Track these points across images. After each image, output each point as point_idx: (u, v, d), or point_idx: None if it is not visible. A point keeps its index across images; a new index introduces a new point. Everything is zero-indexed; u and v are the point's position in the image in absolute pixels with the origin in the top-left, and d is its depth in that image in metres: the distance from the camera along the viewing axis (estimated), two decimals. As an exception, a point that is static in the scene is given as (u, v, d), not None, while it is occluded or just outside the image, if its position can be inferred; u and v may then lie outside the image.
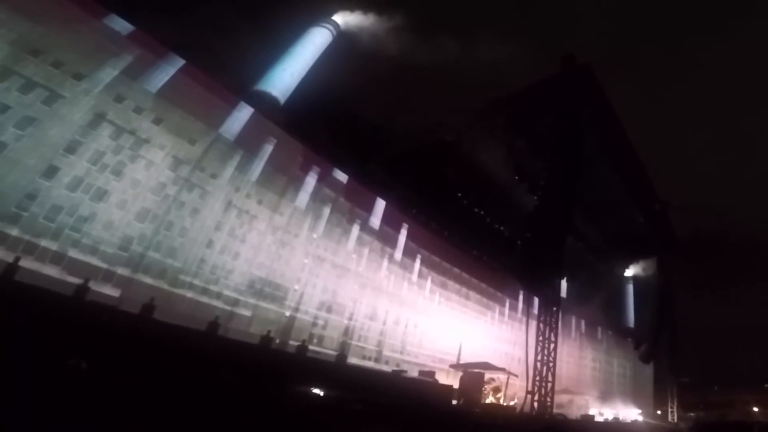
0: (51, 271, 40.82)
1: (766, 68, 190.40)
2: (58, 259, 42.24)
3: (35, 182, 42.28)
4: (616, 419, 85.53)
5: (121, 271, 45.84)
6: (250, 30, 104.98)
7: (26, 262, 36.78)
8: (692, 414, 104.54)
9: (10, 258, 34.94)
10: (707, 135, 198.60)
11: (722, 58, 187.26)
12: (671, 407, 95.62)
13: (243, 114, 58.57)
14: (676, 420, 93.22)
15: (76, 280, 37.13)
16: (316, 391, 34.09)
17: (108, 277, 44.69)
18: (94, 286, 37.53)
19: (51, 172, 43.15)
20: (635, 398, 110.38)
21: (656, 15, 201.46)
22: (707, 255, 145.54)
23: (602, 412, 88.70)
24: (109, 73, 46.84)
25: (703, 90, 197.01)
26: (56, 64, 44.13)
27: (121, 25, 49.19)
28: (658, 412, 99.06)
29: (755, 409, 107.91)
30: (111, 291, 43.67)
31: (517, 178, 75.77)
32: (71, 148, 44.40)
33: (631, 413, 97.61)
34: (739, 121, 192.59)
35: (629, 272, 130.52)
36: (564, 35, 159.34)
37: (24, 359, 16.57)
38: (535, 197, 69.31)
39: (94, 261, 44.28)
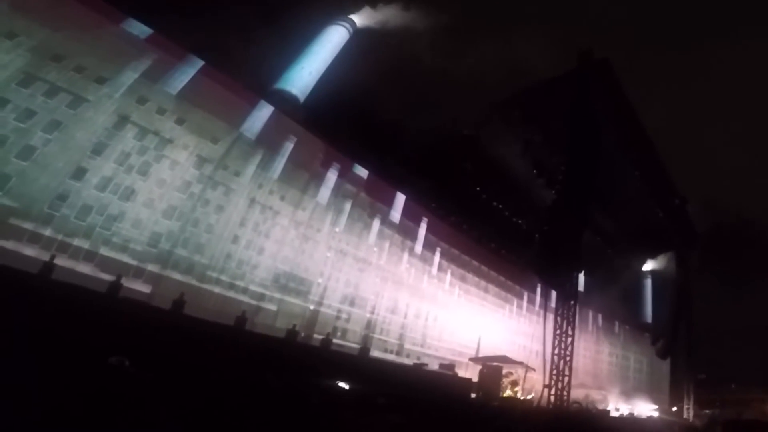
0: (85, 268, 42.08)
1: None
2: (90, 257, 43.52)
3: (65, 184, 43.58)
4: (631, 414, 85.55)
5: (151, 267, 47.12)
6: (267, 30, 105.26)
7: (61, 261, 37.62)
8: (708, 411, 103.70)
9: (46, 257, 36.04)
10: (728, 129, 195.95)
11: (744, 52, 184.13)
12: (687, 404, 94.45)
13: (263, 112, 59.51)
14: (691, 417, 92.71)
15: (109, 277, 37.93)
16: (341, 384, 34.88)
17: (139, 273, 46.04)
18: (126, 282, 38.35)
19: (79, 173, 44.39)
20: (651, 394, 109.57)
21: (677, 9, 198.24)
22: (728, 251, 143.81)
23: (618, 407, 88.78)
24: (130, 77, 47.96)
25: (725, 84, 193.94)
26: (78, 69, 45.30)
27: (139, 29, 50.27)
28: (674, 408, 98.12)
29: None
30: (142, 287, 45.00)
31: (534, 172, 75.67)
32: (98, 150, 45.59)
33: (647, 409, 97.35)
34: (761, 115, 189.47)
35: (647, 267, 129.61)
36: (584, 31, 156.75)
37: (67, 356, 17.12)
38: (553, 191, 69.36)
39: (125, 258, 45.56)
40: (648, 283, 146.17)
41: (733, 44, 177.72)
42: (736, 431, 54.56)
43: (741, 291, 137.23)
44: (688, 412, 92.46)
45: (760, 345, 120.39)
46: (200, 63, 53.28)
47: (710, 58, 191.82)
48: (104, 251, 44.50)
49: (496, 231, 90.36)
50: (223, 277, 52.91)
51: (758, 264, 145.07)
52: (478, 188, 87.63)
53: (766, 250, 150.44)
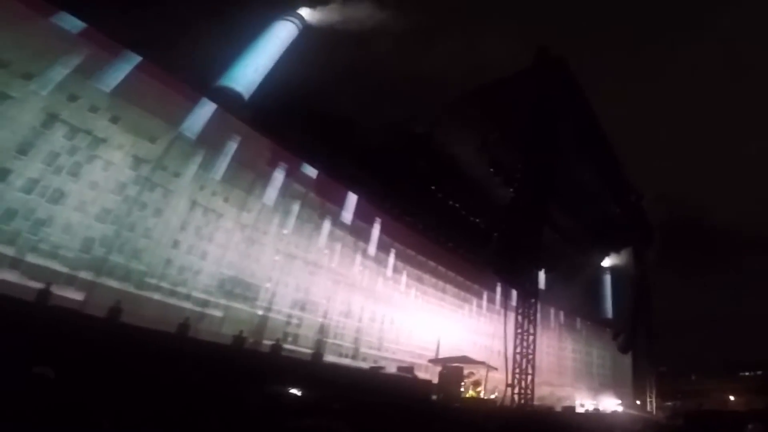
0: (10, 276, 38.97)
1: (736, 63, 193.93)
2: (16, 264, 40.48)
3: (-14, 186, 40.50)
4: (596, 410, 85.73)
5: (84, 274, 43.97)
6: (209, 24, 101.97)
7: (-19, 269, 35.32)
8: (670, 403, 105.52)
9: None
10: (680, 127, 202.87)
11: (696, 53, 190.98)
12: (650, 397, 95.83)
13: (205, 110, 56.91)
14: (654, 409, 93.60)
15: (37, 285, 35.83)
16: (293, 390, 33.20)
17: (70, 281, 42.97)
18: (56, 290, 36.46)
19: (2, 174, 41.18)
20: (615, 388, 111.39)
21: (630, 11, 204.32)
22: (682, 245, 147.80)
23: (583, 403, 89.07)
24: (60, 73, 45.04)
25: (674, 84, 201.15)
26: (2, 64, 42.21)
27: (71, 23, 47.25)
28: (638, 402, 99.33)
29: (731, 398, 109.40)
30: (74, 295, 41.91)
31: (491, 170, 75.30)
32: (23, 150, 42.42)
33: (612, 404, 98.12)
34: (710, 111, 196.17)
35: (607, 263, 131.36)
36: (542, 30, 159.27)
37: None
38: (511, 189, 69.06)
39: (55, 265, 42.48)
40: (608, 278, 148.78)
41: (684, 46, 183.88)
42: (698, 422, 54.27)
43: (696, 283, 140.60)
44: (652, 405, 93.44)
45: (716, 335, 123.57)
46: (137, 59, 50.55)
47: (662, 59, 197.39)
48: (31, 258, 41.37)
49: (453, 230, 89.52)
50: (164, 284, 50.09)
51: (712, 256, 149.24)
52: (432, 187, 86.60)
53: (720, 242, 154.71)
